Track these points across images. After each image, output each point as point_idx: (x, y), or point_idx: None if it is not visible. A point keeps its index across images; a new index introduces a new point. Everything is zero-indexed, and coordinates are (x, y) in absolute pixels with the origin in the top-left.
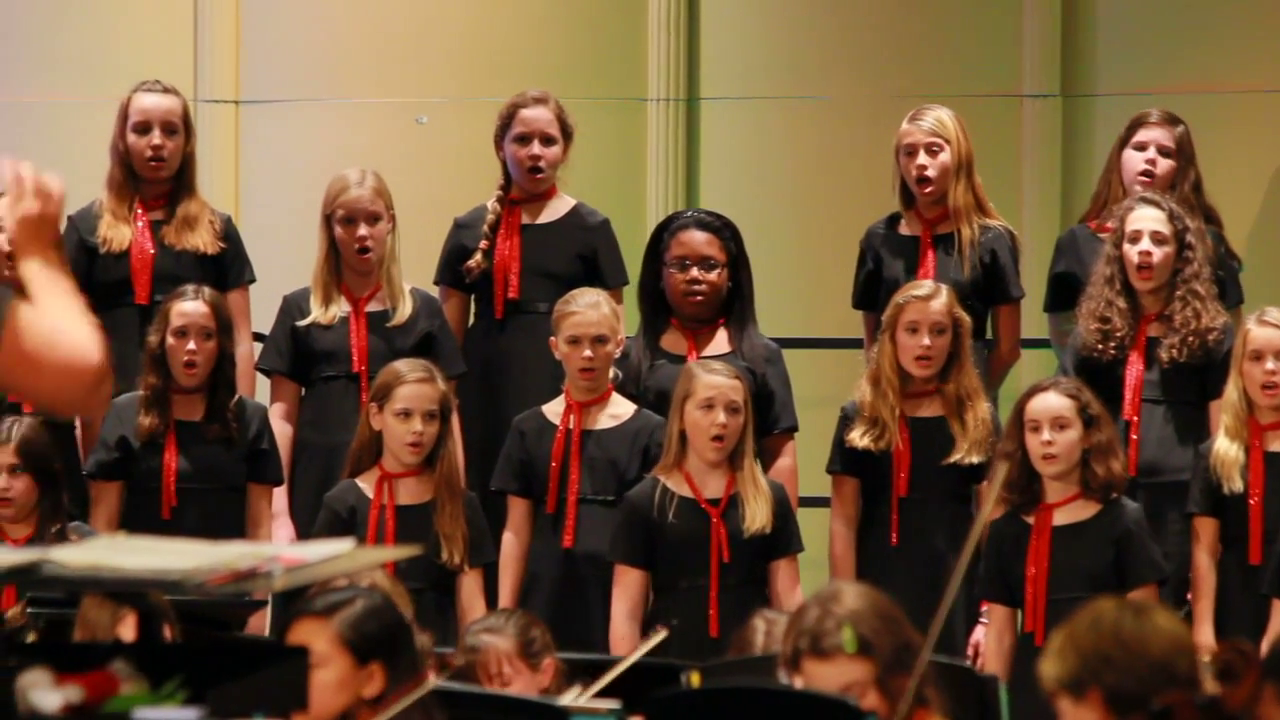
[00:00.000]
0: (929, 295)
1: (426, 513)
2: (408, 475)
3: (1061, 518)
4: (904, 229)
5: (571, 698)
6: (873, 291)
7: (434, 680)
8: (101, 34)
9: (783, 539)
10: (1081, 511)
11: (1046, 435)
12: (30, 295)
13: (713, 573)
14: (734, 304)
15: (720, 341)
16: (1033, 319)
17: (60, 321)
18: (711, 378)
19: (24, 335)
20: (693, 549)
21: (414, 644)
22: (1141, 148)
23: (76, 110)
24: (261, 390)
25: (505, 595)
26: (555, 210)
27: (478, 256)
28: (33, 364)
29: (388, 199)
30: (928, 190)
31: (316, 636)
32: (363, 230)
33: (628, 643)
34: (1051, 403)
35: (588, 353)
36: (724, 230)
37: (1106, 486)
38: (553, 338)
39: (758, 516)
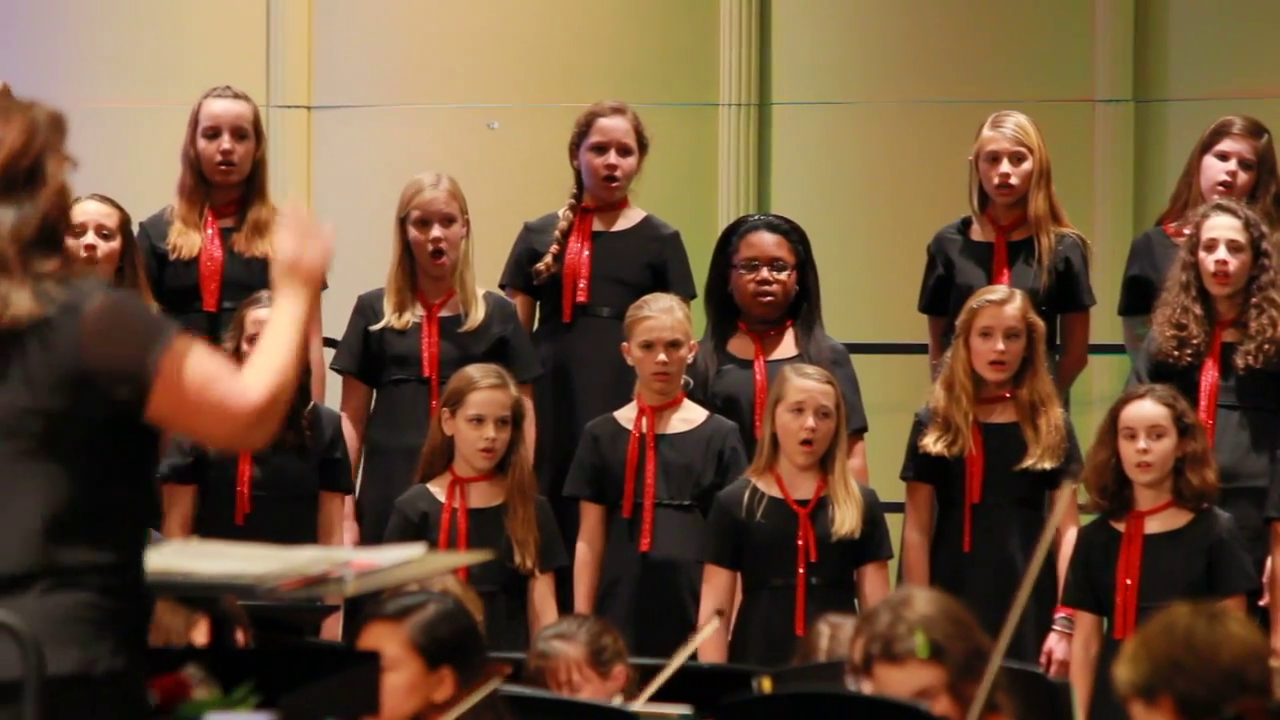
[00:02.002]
0: (1003, 300)
1: (498, 517)
2: (479, 479)
3: (1153, 525)
4: (976, 234)
5: (639, 700)
6: (942, 296)
7: (501, 680)
8: (175, 40)
9: (872, 544)
10: (1173, 520)
11: (1142, 444)
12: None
13: (799, 573)
14: (801, 307)
15: (787, 344)
16: (1106, 324)
17: (225, 367)
18: (802, 382)
19: (181, 375)
20: (780, 549)
21: (485, 649)
22: (1223, 157)
23: (150, 115)
24: (332, 393)
25: (581, 601)
26: (628, 219)
27: (548, 259)
28: (186, 403)
29: (462, 203)
30: (1008, 197)
31: (388, 640)
32: (436, 232)
33: (715, 643)
34: (1148, 411)
35: (662, 357)
36: (792, 233)
37: (1199, 496)
38: (625, 343)
39: (846, 520)
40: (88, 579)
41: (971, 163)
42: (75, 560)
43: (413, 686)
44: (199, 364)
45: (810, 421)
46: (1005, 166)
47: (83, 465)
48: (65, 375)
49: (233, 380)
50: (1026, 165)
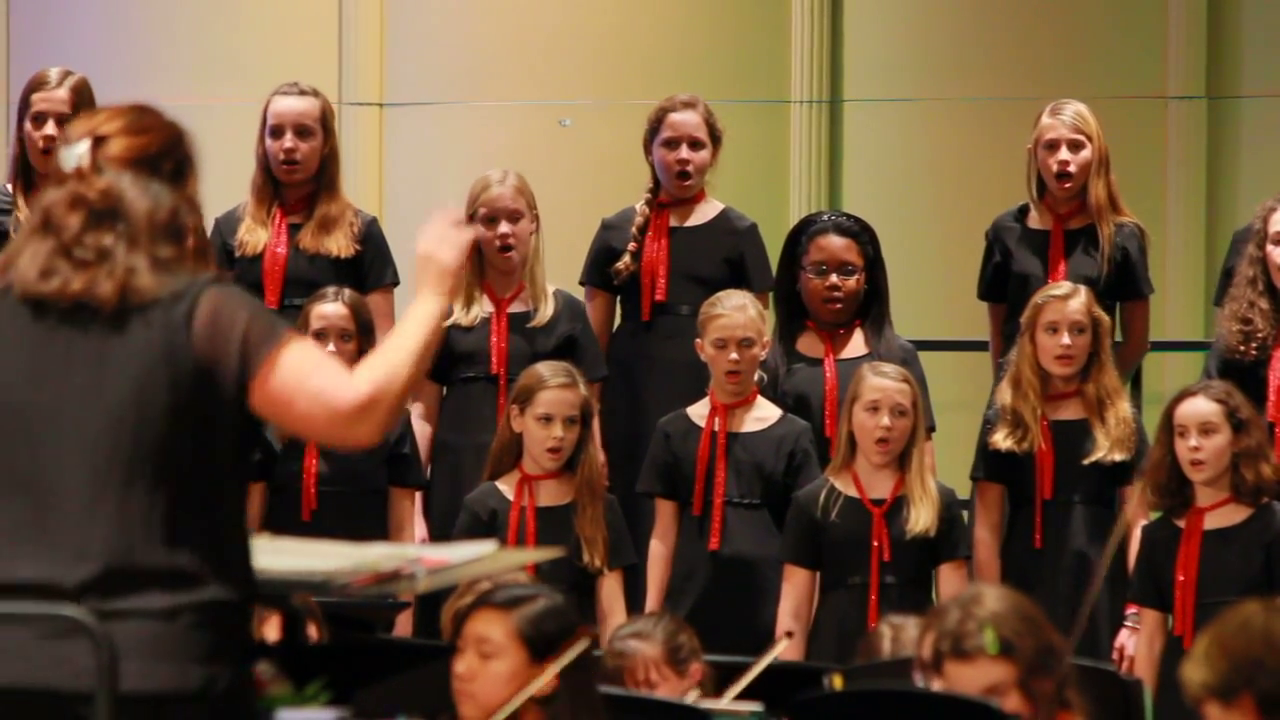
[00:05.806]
0: (1067, 295)
1: (567, 515)
2: (548, 477)
3: (1212, 522)
4: (1034, 222)
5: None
6: (1000, 283)
7: (589, 642)
8: (248, 37)
9: (949, 543)
10: (1232, 516)
11: (1194, 441)
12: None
13: (873, 571)
14: (870, 305)
15: (857, 343)
16: (1183, 320)
17: (330, 362)
18: (878, 380)
19: (278, 371)
20: (855, 548)
21: (590, 649)
22: None
23: (225, 113)
24: None
25: (653, 598)
26: (704, 214)
27: (626, 258)
28: (285, 391)
29: (530, 198)
30: (1067, 185)
31: (494, 626)
32: (504, 228)
33: (793, 649)
34: (1199, 408)
35: (734, 355)
36: (862, 234)
37: (1256, 491)
38: (698, 339)
39: (921, 518)
40: (205, 585)
41: (1030, 151)
42: (192, 564)
43: (513, 676)
44: (303, 355)
45: (886, 420)
46: (1064, 154)
47: (196, 463)
48: (178, 366)
49: (337, 374)
50: (1085, 153)
